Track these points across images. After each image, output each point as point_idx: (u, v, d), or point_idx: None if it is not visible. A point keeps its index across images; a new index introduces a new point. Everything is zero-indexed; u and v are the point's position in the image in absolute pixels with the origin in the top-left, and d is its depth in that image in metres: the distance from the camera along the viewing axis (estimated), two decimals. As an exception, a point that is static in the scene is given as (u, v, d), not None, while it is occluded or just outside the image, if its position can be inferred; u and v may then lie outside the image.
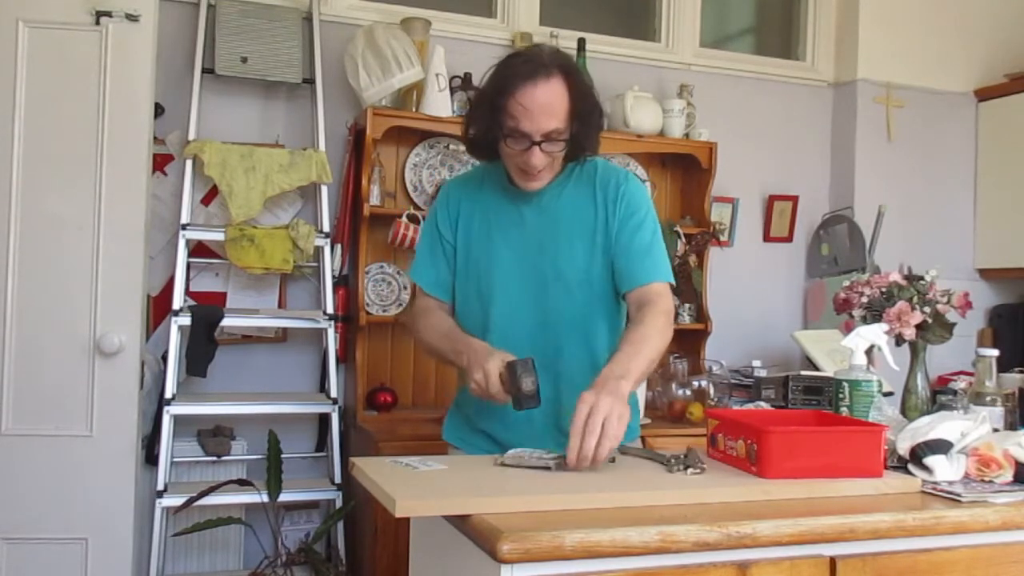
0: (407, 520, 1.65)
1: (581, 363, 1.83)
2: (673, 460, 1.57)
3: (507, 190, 1.88)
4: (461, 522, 1.32)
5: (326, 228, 3.08)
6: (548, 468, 1.53)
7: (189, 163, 2.96)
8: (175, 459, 2.91)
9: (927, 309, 2.20)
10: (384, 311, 3.25)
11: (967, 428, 1.65)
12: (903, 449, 1.64)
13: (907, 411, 2.19)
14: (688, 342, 3.63)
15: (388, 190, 3.29)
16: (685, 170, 3.68)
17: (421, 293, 1.97)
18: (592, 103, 1.79)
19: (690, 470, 1.54)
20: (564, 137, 1.75)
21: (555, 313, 1.84)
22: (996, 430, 1.85)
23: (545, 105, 1.70)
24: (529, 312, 1.84)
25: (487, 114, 1.76)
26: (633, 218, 1.83)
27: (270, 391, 3.14)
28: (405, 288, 3.28)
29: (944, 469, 1.58)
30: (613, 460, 1.59)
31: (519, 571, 1.21)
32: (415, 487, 1.42)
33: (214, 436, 3.01)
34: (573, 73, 1.75)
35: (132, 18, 2.66)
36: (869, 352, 1.89)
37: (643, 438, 2.71)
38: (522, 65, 1.72)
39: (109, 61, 2.64)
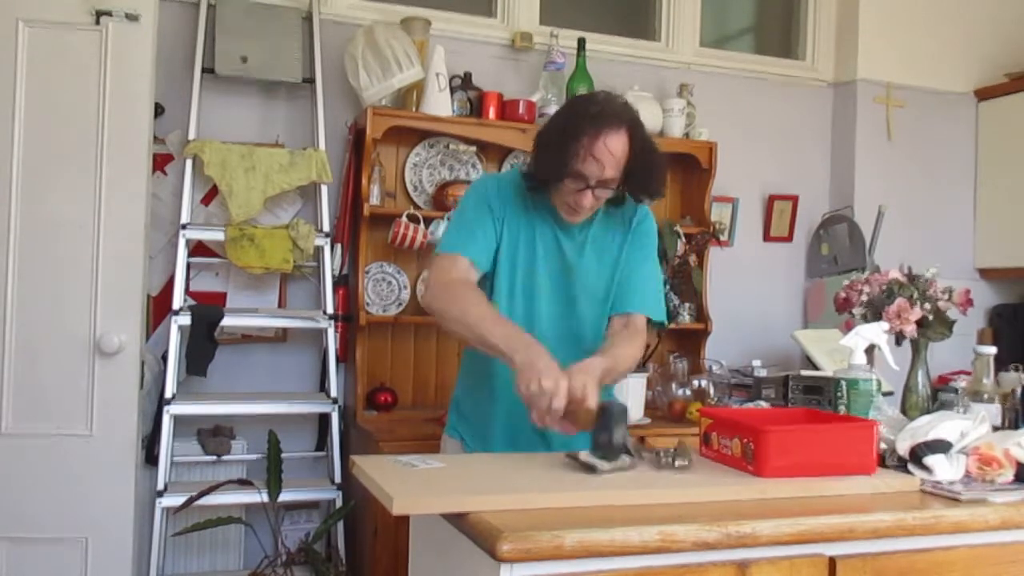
0: (407, 520, 1.65)
1: None
2: (663, 453, 1.57)
3: (550, 212, 1.94)
4: (461, 521, 1.31)
5: (326, 228, 3.08)
6: (594, 470, 1.53)
7: (189, 163, 2.96)
8: (175, 459, 2.91)
9: (927, 305, 2.20)
10: (384, 311, 3.25)
11: (966, 428, 1.64)
12: (903, 449, 1.64)
13: (908, 410, 2.18)
14: (688, 342, 3.63)
15: (388, 190, 3.29)
16: (685, 170, 3.68)
17: (460, 263, 1.86)
18: (648, 160, 1.87)
19: (677, 461, 1.54)
20: (614, 186, 1.86)
21: (579, 326, 1.95)
22: (996, 428, 1.85)
23: (608, 155, 1.80)
24: (554, 325, 1.93)
25: (553, 151, 1.83)
26: (644, 249, 2.00)
27: (270, 391, 3.14)
28: (405, 288, 3.28)
29: (944, 469, 1.57)
30: (634, 466, 1.57)
31: (519, 570, 1.21)
32: (414, 485, 1.42)
33: (214, 436, 3.01)
34: (638, 129, 1.85)
35: (132, 18, 2.66)
36: (869, 352, 1.88)
37: (642, 438, 2.72)
38: (596, 114, 1.80)
39: (109, 61, 2.64)
